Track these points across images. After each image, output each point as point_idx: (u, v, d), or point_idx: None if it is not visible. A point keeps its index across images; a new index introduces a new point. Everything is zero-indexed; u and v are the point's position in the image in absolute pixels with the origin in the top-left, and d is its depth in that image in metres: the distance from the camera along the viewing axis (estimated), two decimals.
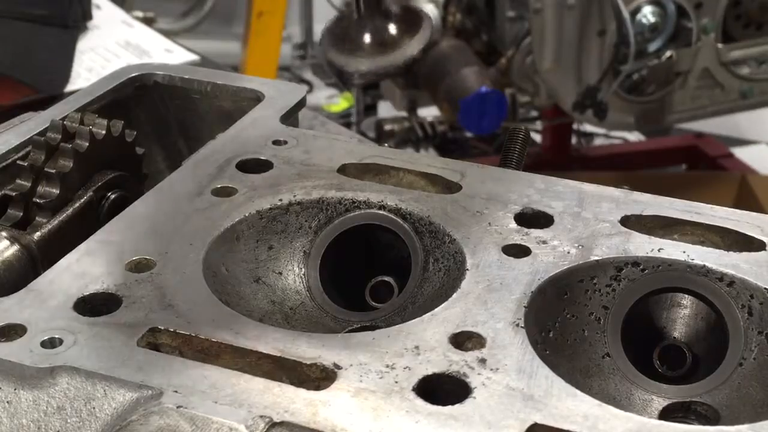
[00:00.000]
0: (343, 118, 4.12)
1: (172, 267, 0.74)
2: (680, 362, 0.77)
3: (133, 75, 1.05)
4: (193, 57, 1.82)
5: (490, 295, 0.71)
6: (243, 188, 0.85)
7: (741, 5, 2.89)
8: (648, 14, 2.76)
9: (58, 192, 0.84)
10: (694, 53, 2.84)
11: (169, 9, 4.13)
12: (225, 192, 0.84)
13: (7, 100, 1.61)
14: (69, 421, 0.63)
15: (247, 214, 0.81)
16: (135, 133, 0.94)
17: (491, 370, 0.64)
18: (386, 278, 0.83)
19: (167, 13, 4.02)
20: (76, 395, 0.63)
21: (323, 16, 4.38)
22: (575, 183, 0.87)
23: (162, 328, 0.67)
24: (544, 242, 0.78)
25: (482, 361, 0.65)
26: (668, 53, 2.81)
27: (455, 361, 0.65)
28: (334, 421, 0.60)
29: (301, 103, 1.01)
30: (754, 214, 0.83)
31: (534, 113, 3.45)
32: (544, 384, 0.63)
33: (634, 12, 2.74)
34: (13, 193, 0.84)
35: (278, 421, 0.59)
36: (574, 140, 3.70)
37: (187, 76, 1.06)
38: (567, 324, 0.76)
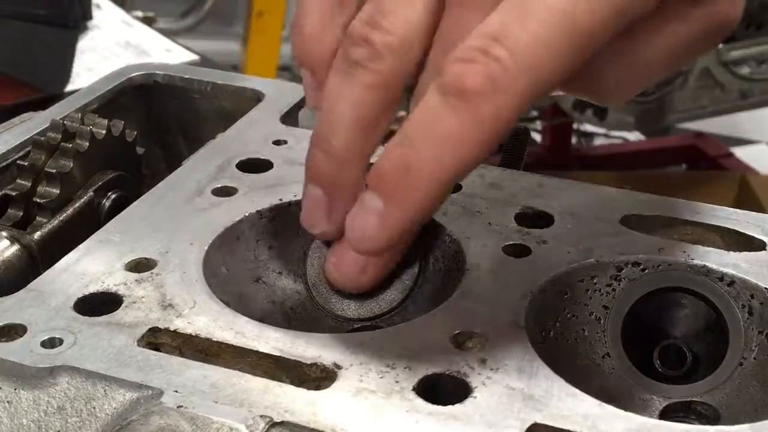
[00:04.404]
0: None
1: (172, 267, 0.74)
2: (680, 362, 0.77)
3: (133, 75, 1.05)
4: (193, 57, 1.82)
5: (490, 295, 0.71)
6: (243, 188, 0.85)
7: None
8: None
9: (58, 192, 0.84)
10: None
11: (169, 9, 4.13)
12: (225, 192, 0.84)
13: (7, 100, 1.61)
14: (69, 420, 0.63)
15: (247, 214, 0.81)
16: (135, 133, 0.94)
17: (491, 369, 0.64)
18: None
19: (167, 13, 4.02)
20: (77, 395, 0.63)
21: None
22: (575, 183, 0.87)
23: (162, 328, 0.67)
24: (544, 242, 0.78)
25: (482, 360, 0.65)
26: None
27: (455, 361, 0.65)
28: (334, 421, 0.59)
29: (302, 103, 1.01)
30: (754, 214, 0.82)
31: (534, 113, 3.44)
32: (545, 384, 0.63)
33: None
34: (14, 193, 0.83)
35: (278, 420, 0.59)
36: (574, 140, 3.70)
37: (187, 76, 1.06)
38: (567, 324, 0.76)
